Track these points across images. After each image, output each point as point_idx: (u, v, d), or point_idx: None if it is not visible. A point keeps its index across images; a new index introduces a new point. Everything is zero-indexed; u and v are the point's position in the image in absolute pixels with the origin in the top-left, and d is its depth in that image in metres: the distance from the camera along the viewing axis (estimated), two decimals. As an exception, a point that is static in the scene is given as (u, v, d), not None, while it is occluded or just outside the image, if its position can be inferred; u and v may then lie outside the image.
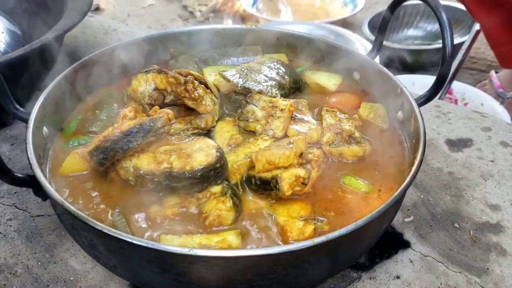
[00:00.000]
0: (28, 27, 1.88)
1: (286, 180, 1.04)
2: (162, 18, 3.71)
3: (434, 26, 3.30)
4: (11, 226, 1.24)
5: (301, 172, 1.05)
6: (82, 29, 2.08)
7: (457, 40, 2.69)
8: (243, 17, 3.62)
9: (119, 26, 2.17)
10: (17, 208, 1.29)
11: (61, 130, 1.26)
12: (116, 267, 0.95)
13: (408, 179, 0.98)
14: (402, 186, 0.95)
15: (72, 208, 0.90)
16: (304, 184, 1.06)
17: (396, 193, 0.95)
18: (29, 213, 1.28)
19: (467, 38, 2.63)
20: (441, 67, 1.18)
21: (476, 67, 3.15)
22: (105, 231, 0.86)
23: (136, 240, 0.84)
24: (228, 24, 3.54)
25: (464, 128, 1.57)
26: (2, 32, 1.69)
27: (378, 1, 3.94)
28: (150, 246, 0.84)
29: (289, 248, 0.85)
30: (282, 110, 1.19)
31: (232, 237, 0.97)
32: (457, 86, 2.57)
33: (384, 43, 1.43)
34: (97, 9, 3.68)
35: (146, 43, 1.47)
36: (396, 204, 1.00)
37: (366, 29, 3.13)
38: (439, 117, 1.62)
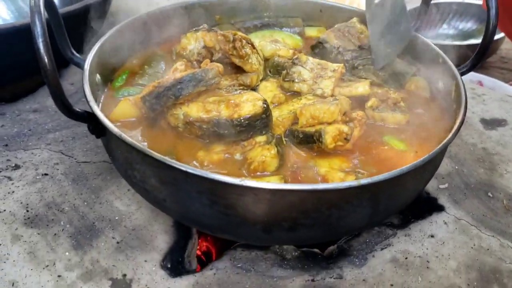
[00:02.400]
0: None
1: (330, 133, 1.07)
2: None
3: (466, 25, 3.31)
4: (58, 169, 1.29)
5: (344, 128, 1.09)
6: (125, 0, 2.14)
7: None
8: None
9: (161, 0, 2.22)
10: (64, 154, 1.34)
11: (111, 81, 1.30)
12: (165, 200, 0.99)
13: (450, 135, 1.00)
14: (446, 139, 0.98)
15: (129, 139, 0.94)
16: (346, 139, 1.09)
17: (438, 146, 0.98)
18: (75, 159, 1.33)
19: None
20: (484, 37, 1.21)
21: (506, 67, 3.15)
22: (161, 160, 0.90)
23: (190, 169, 0.88)
24: None
25: (499, 109, 1.59)
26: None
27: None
28: (203, 175, 0.87)
29: (335, 186, 0.89)
30: (333, 70, 1.22)
31: (275, 181, 1.01)
32: (488, 81, 2.59)
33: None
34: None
35: (193, 8, 1.51)
36: (436, 159, 1.03)
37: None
38: (474, 98, 1.65)
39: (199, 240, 1.21)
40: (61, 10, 1.30)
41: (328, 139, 1.07)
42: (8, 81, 1.55)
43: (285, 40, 1.49)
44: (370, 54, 1.34)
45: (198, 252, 1.21)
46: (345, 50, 1.35)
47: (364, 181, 0.89)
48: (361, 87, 1.24)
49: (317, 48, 1.39)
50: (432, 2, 3.05)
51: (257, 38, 1.47)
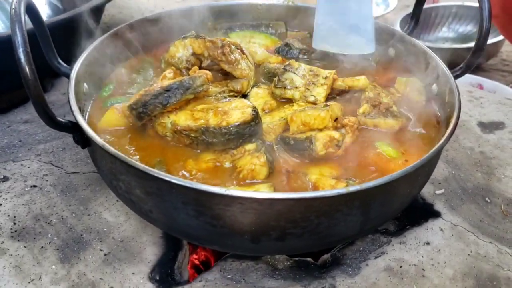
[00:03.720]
0: (68, 4, 1.94)
1: (321, 140, 1.05)
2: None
3: (466, 28, 3.29)
4: (47, 180, 1.27)
5: (335, 134, 1.07)
6: (119, 9, 2.13)
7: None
8: None
9: (156, 9, 2.21)
10: (53, 165, 1.33)
11: (99, 90, 1.29)
12: (151, 211, 0.97)
13: (443, 139, 0.98)
14: (439, 143, 0.96)
15: (112, 149, 0.92)
16: (337, 146, 1.07)
17: (431, 151, 0.96)
18: (65, 170, 1.31)
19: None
20: (477, 40, 1.19)
21: (507, 69, 3.12)
22: (145, 170, 0.88)
23: (174, 179, 0.86)
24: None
25: (496, 112, 1.56)
26: (45, 4, 1.75)
27: (410, 4, 3.93)
28: (188, 185, 0.85)
29: (323, 193, 0.87)
30: (325, 77, 1.21)
31: (264, 189, 0.98)
32: (489, 84, 2.55)
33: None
34: None
35: (184, 15, 1.50)
36: (429, 164, 1.01)
37: (397, 28, 3.13)
38: (471, 101, 1.62)
39: (198, 250, 1.18)
40: (47, 20, 1.29)
41: (319, 146, 1.05)
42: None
43: (263, 41, 1.51)
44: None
45: (197, 262, 1.18)
46: (308, 52, 1.43)
47: (353, 188, 0.86)
48: (363, 79, 1.24)
49: (285, 48, 1.44)
50: (432, 5, 3.03)
51: (237, 38, 1.46)
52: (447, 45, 3.29)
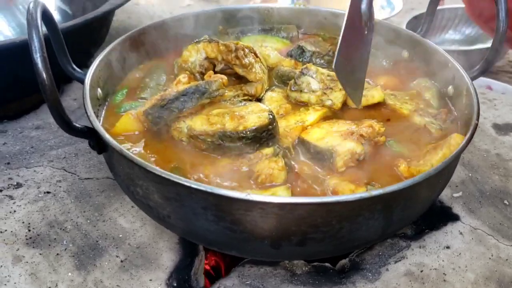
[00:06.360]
0: (77, 9, 1.93)
1: (341, 156, 1.02)
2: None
3: (472, 30, 3.27)
4: (60, 187, 1.26)
5: (357, 148, 1.04)
6: (128, 14, 2.13)
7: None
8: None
9: (164, 14, 2.21)
10: (66, 171, 1.31)
11: (113, 95, 1.28)
12: (170, 216, 0.96)
13: (464, 141, 0.97)
14: (460, 145, 0.95)
15: (130, 154, 0.92)
16: (358, 160, 1.05)
17: (452, 154, 0.94)
18: (78, 176, 1.30)
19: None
20: (494, 40, 1.18)
21: (515, 71, 3.11)
22: (164, 175, 0.87)
23: (194, 184, 0.85)
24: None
25: (511, 114, 1.55)
26: (55, 10, 1.74)
27: (415, 7, 3.92)
28: (208, 190, 0.84)
29: (346, 198, 0.86)
30: None
31: (282, 192, 0.97)
32: (498, 86, 2.54)
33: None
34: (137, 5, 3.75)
35: (195, 20, 1.49)
36: (450, 167, 1.00)
37: (403, 31, 3.12)
38: (485, 103, 1.61)
39: (208, 255, 1.17)
40: (61, 25, 1.28)
41: (339, 163, 1.03)
42: (10, 98, 1.53)
43: (274, 44, 1.51)
44: None
45: (207, 267, 1.17)
46: (320, 55, 1.39)
47: (375, 192, 0.85)
48: (376, 94, 1.21)
49: (298, 51, 1.41)
50: (438, 8, 3.01)
51: (249, 42, 1.45)
52: (454, 47, 3.28)
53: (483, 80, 2.57)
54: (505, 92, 2.48)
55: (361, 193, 0.85)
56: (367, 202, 0.87)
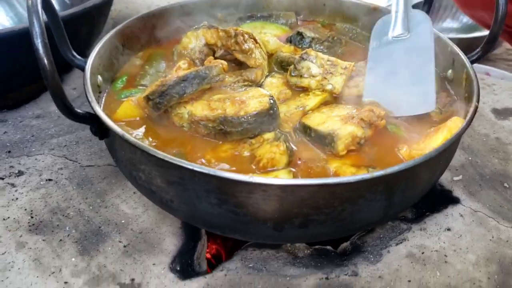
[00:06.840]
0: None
1: (343, 140, 1.02)
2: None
3: (470, 19, 3.27)
4: (62, 174, 1.27)
5: (358, 131, 1.04)
6: (125, 4, 2.12)
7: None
8: None
9: (161, 2, 2.20)
10: (67, 159, 1.32)
11: (113, 82, 1.28)
12: (172, 200, 0.96)
13: (464, 123, 0.97)
14: (461, 127, 0.95)
15: (133, 138, 0.92)
16: (359, 144, 1.05)
17: (452, 136, 0.95)
18: (79, 163, 1.30)
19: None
20: (493, 25, 1.18)
21: (512, 58, 3.11)
22: (167, 159, 0.87)
23: (197, 168, 0.85)
24: None
25: (510, 99, 1.56)
26: (53, -1, 1.74)
27: (412, -5, 3.93)
28: (211, 173, 0.84)
29: (347, 179, 0.86)
30: (345, 68, 1.20)
31: (283, 175, 0.98)
32: (496, 73, 2.54)
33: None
34: None
35: (193, 7, 1.49)
36: (450, 149, 1.00)
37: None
38: (484, 88, 1.61)
39: (209, 244, 1.18)
40: (61, 13, 1.28)
41: (340, 146, 1.03)
42: (10, 88, 1.53)
43: (274, 31, 1.51)
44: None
45: (208, 256, 1.18)
46: (319, 41, 1.40)
47: (377, 173, 0.86)
48: None
49: (297, 37, 1.42)
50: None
51: (249, 29, 1.45)
52: (451, 35, 3.28)
53: (481, 67, 2.57)
54: (503, 78, 2.49)
55: (363, 174, 0.86)
56: (369, 183, 0.87)
